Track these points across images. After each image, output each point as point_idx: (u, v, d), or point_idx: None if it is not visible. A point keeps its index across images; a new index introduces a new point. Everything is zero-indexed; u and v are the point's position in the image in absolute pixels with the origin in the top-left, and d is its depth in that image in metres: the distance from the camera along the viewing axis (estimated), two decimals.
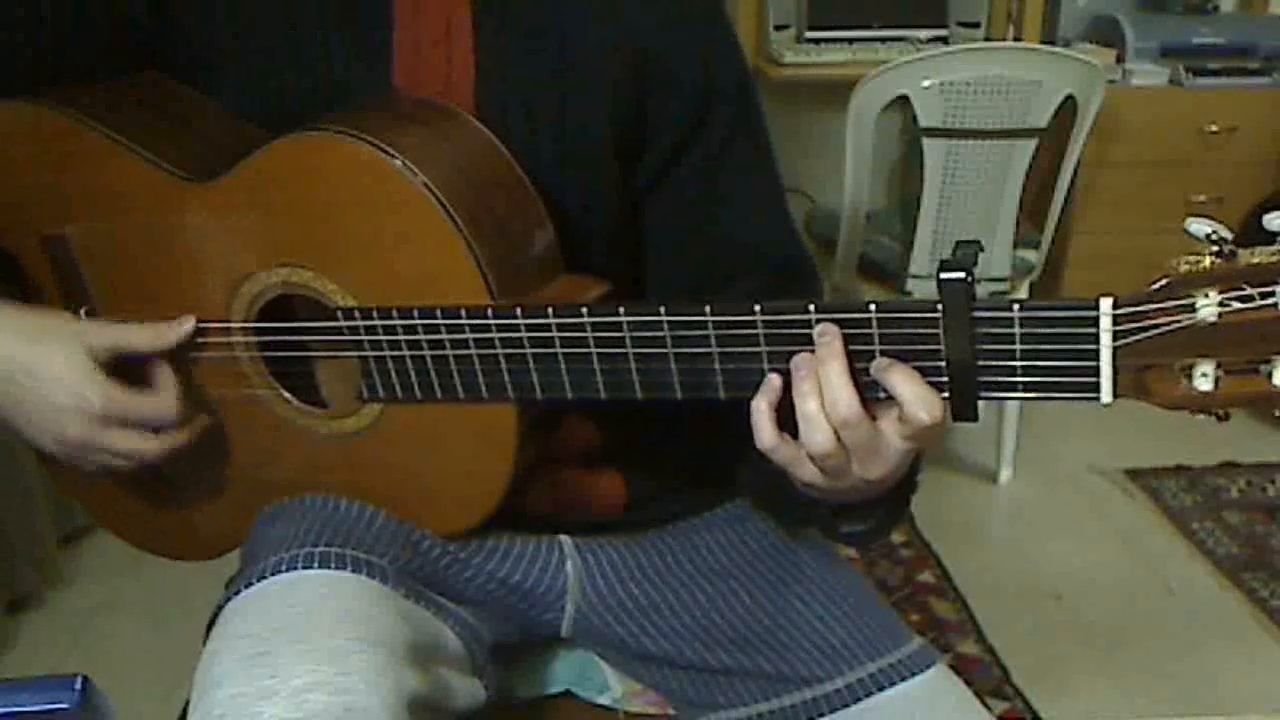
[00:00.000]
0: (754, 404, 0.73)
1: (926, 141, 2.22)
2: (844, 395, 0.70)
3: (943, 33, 3.04)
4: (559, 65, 0.88)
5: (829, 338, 0.70)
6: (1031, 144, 2.22)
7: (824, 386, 0.70)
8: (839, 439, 0.71)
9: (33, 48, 0.88)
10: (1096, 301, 0.64)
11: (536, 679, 1.01)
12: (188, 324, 0.86)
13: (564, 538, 0.96)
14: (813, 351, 0.71)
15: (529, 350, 0.77)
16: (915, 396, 0.69)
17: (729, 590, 0.95)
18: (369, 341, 0.81)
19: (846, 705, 0.89)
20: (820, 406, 0.70)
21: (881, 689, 0.88)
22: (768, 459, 0.75)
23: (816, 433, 0.71)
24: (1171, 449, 2.60)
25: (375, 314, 0.80)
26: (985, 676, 1.92)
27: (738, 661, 0.93)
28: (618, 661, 1.00)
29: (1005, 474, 2.57)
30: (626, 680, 1.01)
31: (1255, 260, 0.61)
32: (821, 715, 0.89)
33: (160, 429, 0.85)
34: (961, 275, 0.66)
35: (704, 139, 0.90)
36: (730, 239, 0.92)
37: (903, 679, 0.88)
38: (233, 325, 0.86)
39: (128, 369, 0.86)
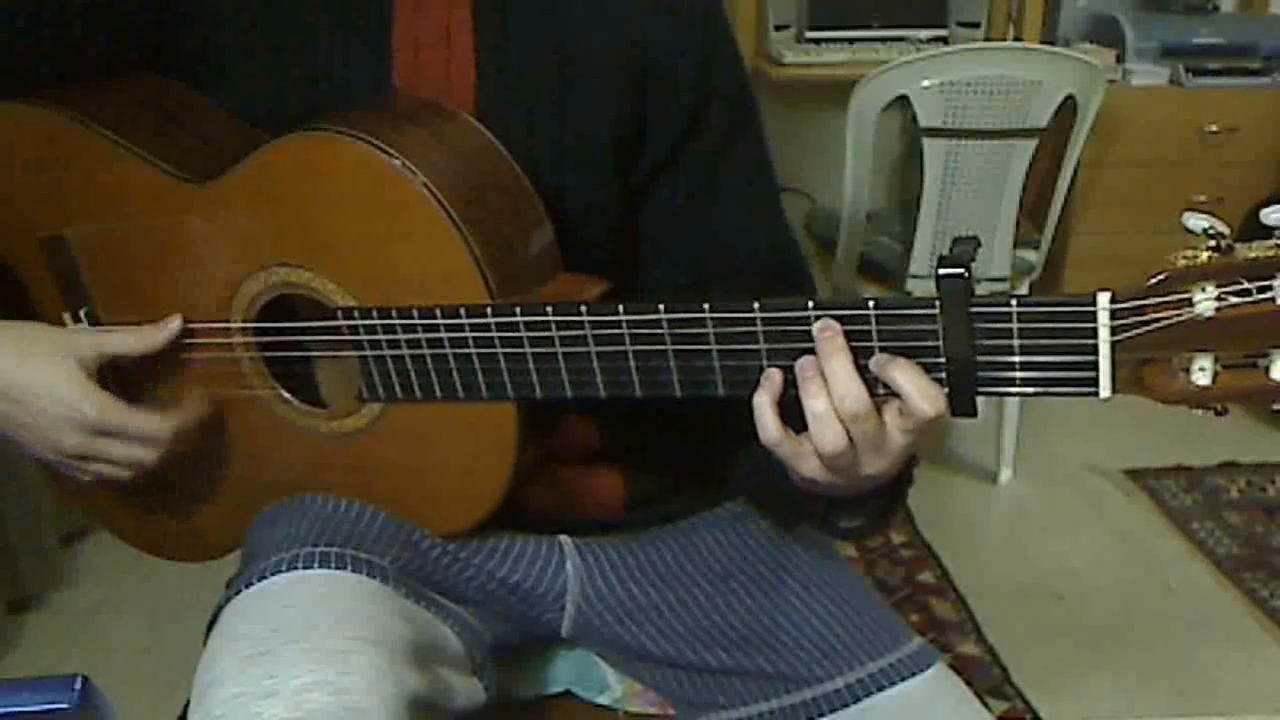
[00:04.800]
0: (755, 399, 0.73)
1: (926, 141, 2.22)
2: (852, 389, 0.70)
3: (943, 33, 3.04)
4: (559, 65, 0.88)
5: (830, 333, 0.70)
6: (1031, 144, 2.22)
7: (830, 382, 0.70)
8: (850, 436, 0.71)
9: (33, 48, 0.89)
10: (1094, 296, 0.64)
11: (536, 679, 1.01)
12: (174, 323, 0.87)
13: (564, 538, 0.96)
14: (811, 348, 0.71)
15: (528, 349, 0.77)
16: (917, 390, 0.69)
17: (729, 590, 0.95)
18: (368, 341, 0.81)
19: (846, 705, 0.89)
20: (830, 404, 0.71)
21: (881, 689, 0.88)
22: (764, 455, 0.75)
23: (827, 432, 0.71)
24: (1171, 449, 2.60)
25: (375, 314, 0.80)
26: (985, 676, 1.92)
27: (738, 661, 0.93)
28: (618, 661, 1.00)
29: (1005, 474, 2.57)
30: (626, 680, 1.01)
31: (1253, 255, 0.61)
32: (821, 715, 0.89)
33: (152, 441, 0.87)
34: (959, 271, 0.66)
35: (700, 140, 0.90)
36: (723, 240, 0.92)
37: (903, 679, 0.88)
38: (232, 325, 0.87)
39: (129, 377, 0.88)
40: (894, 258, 2.39)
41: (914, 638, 0.92)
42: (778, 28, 3.01)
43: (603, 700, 1.00)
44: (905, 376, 0.69)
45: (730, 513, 1.00)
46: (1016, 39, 3.02)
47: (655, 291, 0.93)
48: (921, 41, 2.96)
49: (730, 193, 0.92)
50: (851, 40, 2.96)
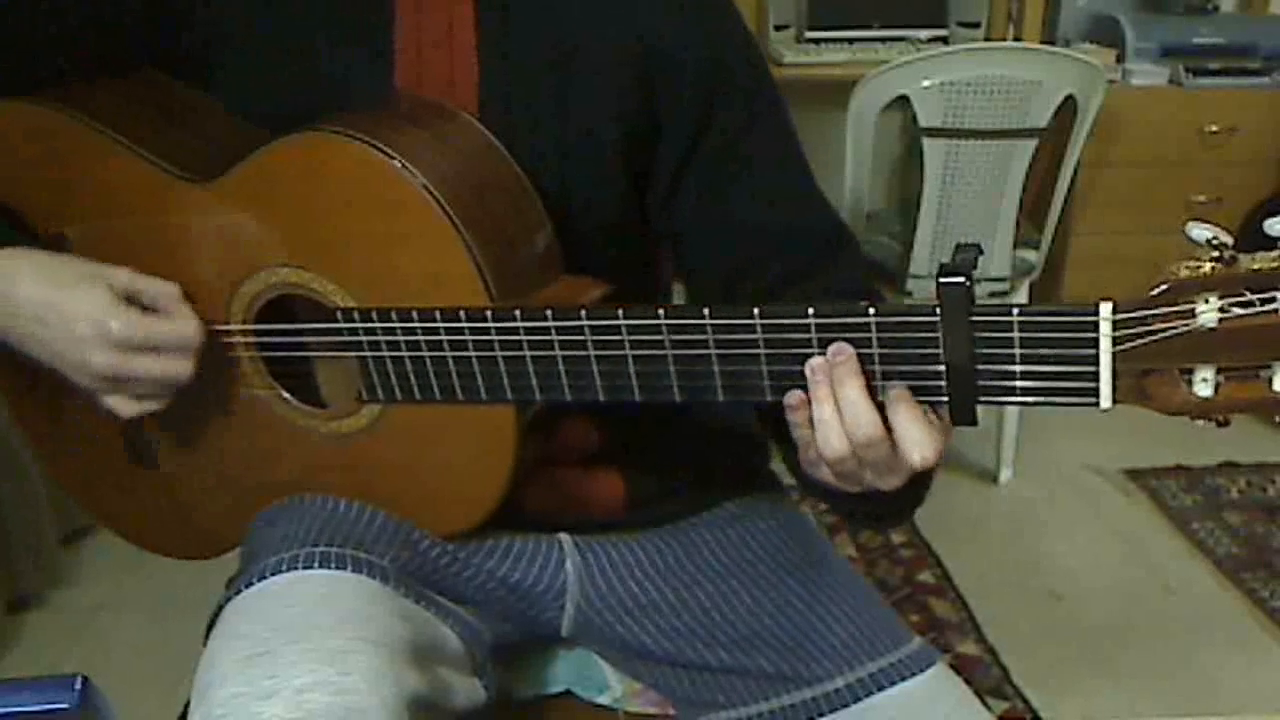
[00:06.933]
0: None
1: (926, 141, 2.22)
2: (865, 416, 0.70)
3: (943, 33, 3.04)
4: (561, 62, 0.87)
5: (844, 356, 0.70)
6: (1031, 144, 2.22)
7: (843, 406, 0.71)
8: (853, 448, 0.71)
9: (34, 47, 0.89)
10: (1096, 306, 0.64)
11: (536, 679, 1.01)
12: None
13: (564, 536, 0.96)
14: (811, 355, 0.71)
15: (527, 352, 0.77)
16: (911, 437, 0.70)
17: (729, 590, 0.95)
18: (368, 342, 0.81)
19: (846, 705, 0.89)
20: (836, 411, 0.71)
21: (881, 689, 0.88)
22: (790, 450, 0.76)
23: (832, 437, 0.71)
24: (1171, 449, 2.60)
25: (374, 315, 0.81)
26: (985, 676, 1.92)
27: (738, 661, 0.93)
28: (618, 661, 1.00)
29: (1005, 474, 2.57)
30: (626, 680, 1.01)
31: (1256, 266, 0.60)
32: (821, 715, 0.90)
33: (184, 350, 0.85)
34: (961, 280, 0.66)
35: (718, 125, 0.89)
36: (759, 221, 0.91)
37: (903, 679, 0.88)
38: (232, 326, 0.87)
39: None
40: (894, 258, 2.39)
41: (914, 638, 0.92)
42: (778, 28, 3.00)
43: (603, 700, 1.00)
44: (908, 420, 0.70)
45: (730, 513, 1.00)
46: (1016, 39, 3.01)
47: (697, 281, 0.94)
48: (921, 41, 2.96)
49: (758, 173, 0.91)
50: (851, 40, 2.96)
